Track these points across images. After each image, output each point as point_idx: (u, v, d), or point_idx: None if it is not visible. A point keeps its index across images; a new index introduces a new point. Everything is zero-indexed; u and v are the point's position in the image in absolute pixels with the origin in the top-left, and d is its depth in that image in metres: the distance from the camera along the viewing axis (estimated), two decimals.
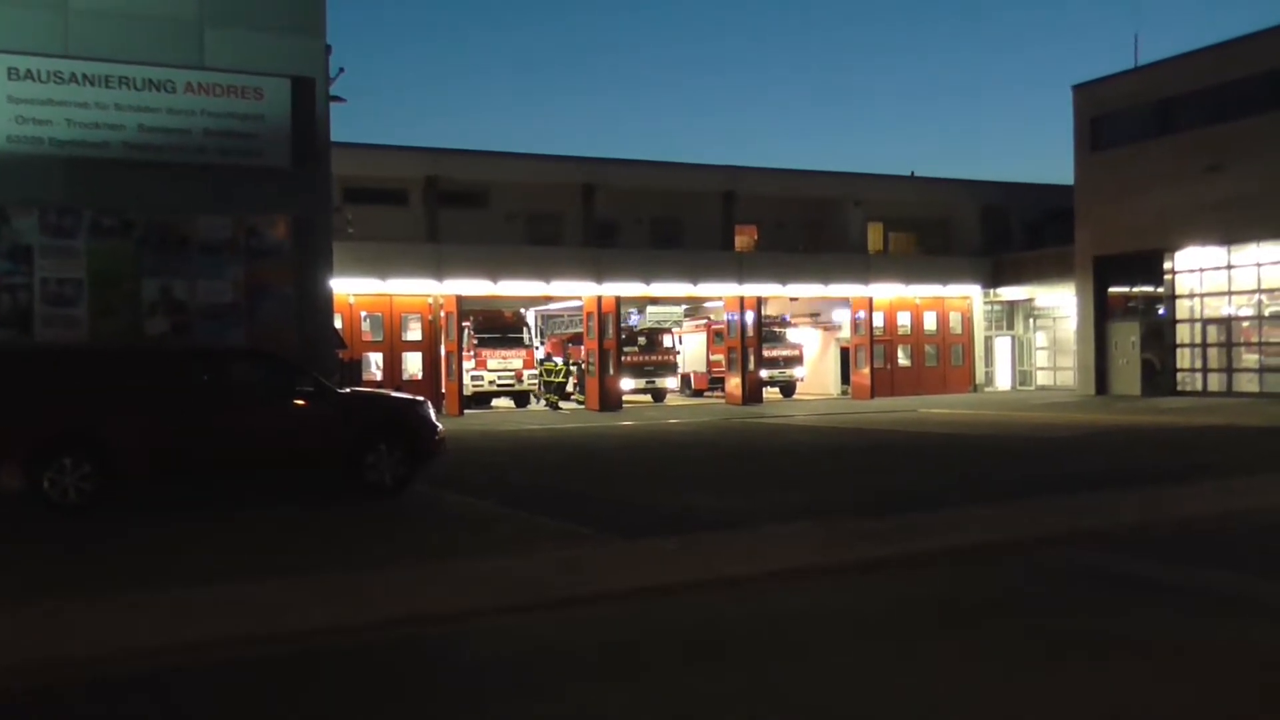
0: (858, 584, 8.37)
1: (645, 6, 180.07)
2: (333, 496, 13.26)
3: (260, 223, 16.47)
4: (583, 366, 35.04)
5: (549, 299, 37.30)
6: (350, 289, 30.62)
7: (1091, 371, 35.27)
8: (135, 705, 5.81)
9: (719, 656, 6.47)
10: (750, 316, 35.56)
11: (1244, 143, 30.28)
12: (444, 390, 32.37)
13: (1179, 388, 32.90)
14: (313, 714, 5.66)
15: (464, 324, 33.38)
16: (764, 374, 36.58)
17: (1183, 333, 33.18)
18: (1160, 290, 33.61)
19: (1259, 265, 31.05)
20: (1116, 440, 20.19)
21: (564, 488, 14.64)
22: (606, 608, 7.65)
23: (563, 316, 42.00)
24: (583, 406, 34.57)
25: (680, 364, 38.94)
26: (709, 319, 39.53)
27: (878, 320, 38.34)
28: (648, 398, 37.23)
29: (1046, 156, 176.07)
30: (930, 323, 40.63)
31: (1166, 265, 33.17)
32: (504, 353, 34.85)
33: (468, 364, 33.62)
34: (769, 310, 38.26)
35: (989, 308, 41.32)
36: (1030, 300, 40.74)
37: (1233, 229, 30.92)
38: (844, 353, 40.19)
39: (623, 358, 34.47)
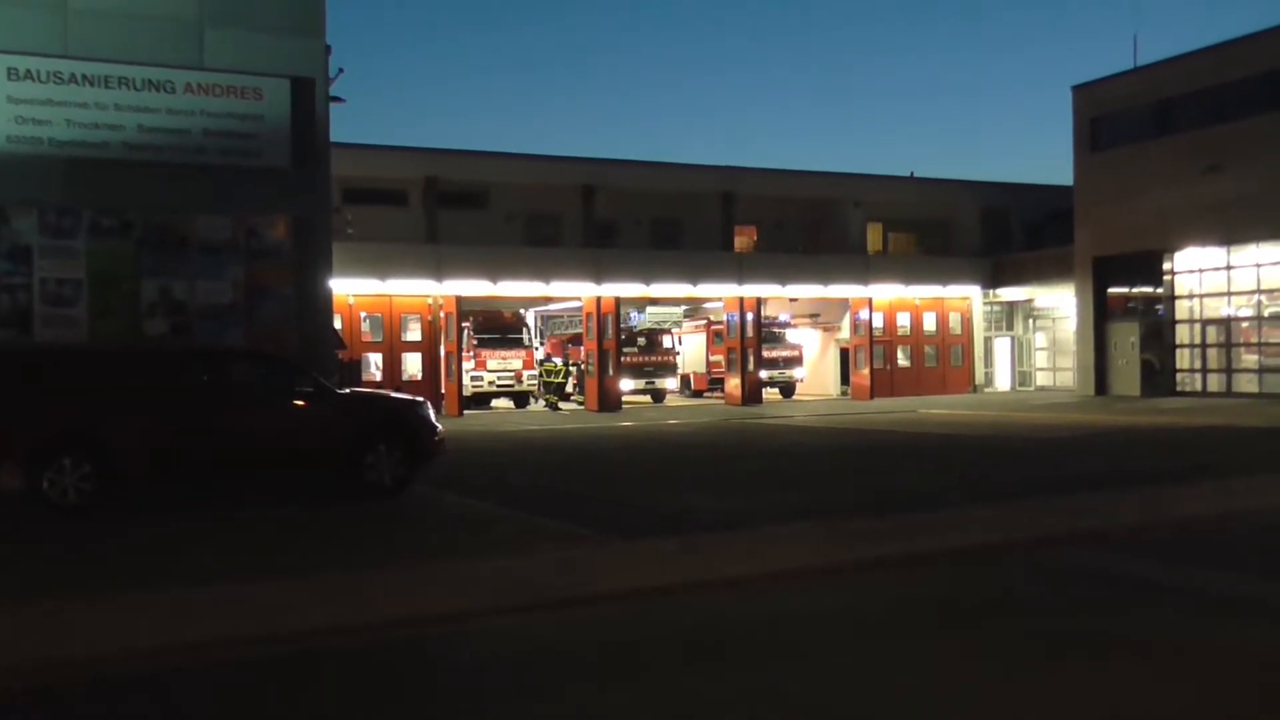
0: (857, 584, 8.37)
1: (645, 6, 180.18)
2: (332, 497, 13.26)
3: (260, 223, 16.47)
4: (582, 367, 35.04)
5: (548, 300, 37.30)
6: (350, 289, 30.63)
7: (1091, 372, 35.28)
8: (135, 705, 5.81)
9: (719, 657, 6.47)
10: (750, 317, 35.57)
11: (1243, 143, 30.29)
12: (443, 391, 32.37)
13: (1178, 388, 32.91)
14: (313, 714, 5.66)
15: (463, 324, 33.38)
16: (763, 375, 36.58)
17: (1182, 333, 33.19)
18: (1160, 291, 33.62)
19: (1258, 266, 31.06)
20: (1116, 441, 20.19)
21: (563, 488, 14.64)
22: (606, 608, 7.65)
23: (562, 317, 42.01)
24: (582, 407, 34.56)
25: (680, 365, 38.93)
26: (709, 319, 39.53)
27: (877, 321, 38.34)
28: (647, 398, 37.22)
29: (1046, 157, 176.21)
30: (930, 323, 40.64)
31: (1166, 266, 33.18)
32: (503, 353, 34.86)
33: (467, 364, 33.62)
34: (768, 311, 38.25)
35: (988, 308, 41.33)
36: (1030, 301, 40.74)
37: (1232, 229, 30.93)
38: (844, 353, 40.20)
39: (622, 358, 34.46)
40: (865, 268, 38.37)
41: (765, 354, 36.73)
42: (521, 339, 35.70)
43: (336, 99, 19.72)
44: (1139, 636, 6.70)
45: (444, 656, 6.72)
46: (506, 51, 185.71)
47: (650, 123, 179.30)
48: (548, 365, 35.97)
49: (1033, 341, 41.78)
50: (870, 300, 37.57)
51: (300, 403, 13.28)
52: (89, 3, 15.88)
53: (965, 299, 40.76)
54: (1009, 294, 40.48)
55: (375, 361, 32.98)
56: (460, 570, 8.86)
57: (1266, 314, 31.49)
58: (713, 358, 38.83)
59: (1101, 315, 35.26)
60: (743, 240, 40.32)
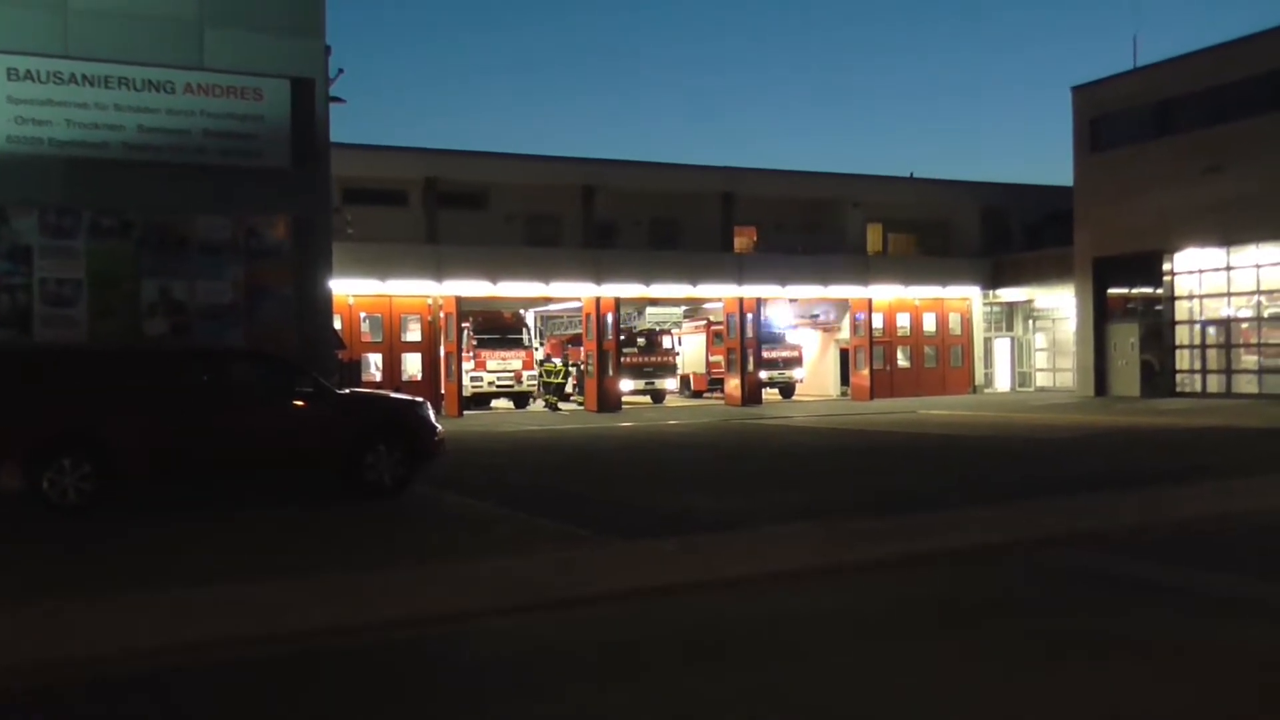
0: (857, 584, 8.37)
1: (645, 6, 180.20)
2: (332, 497, 13.26)
3: (260, 223, 16.47)
4: (582, 367, 35.04)
5: (548, 300, 37.30)
6: (350, 290, 30.64)
7: (1091, 373, 35.28)
8: (135, 705, 5.81)
9: (719, 657, 6.47)
10: (749, 318, 35.56)
11: (1243, 144, 30.30)
12: (443, 391, 32.37)
13: (1178, 389, 32.91)
14: (313, 714, 5.66)
15: (463, 325, 33.39)
16: (763, 375, 36.58)
17: (1182, 334, 33.19)
18: (1159, 292, 33.62)
19: (1258, 267, 31.06)
20: (1115, 441, 20.19)
21: (563, 489, 14.64)
22: (606, 608, 7.65)
23: (562, 318, 42.01)
24: (582, 408, 34.57)
25: (679, 365, 38.94)
26: (708, 320, 39.54)
27: (877, 321, 38.35)
28: (647, 399, 37.22)
29: (1046, 158, 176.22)
30: (929, 324, 40.65)
31: (1166, 267, 33.18)
32: (503, 354, 34.87)
33: (467, 365, 33.63)
34: (768, 312, 38.25)
35: (988, 309, 41.34)
36: (1029, 301, 40.75)
37: (1232, 230, 30.94)
38: (843, 354, 40.21)
39: (622, 359, 34.47)
40: (865, 268, 38.38)
41: (765, 355, 36.73)
42: (521, 339, 35.71)
43: (336, 99, 19.72)
44: (1139, 637, 6.71)
45: (444, 657, 6.72)
46: (506, 52, 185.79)
47: (650, 123, 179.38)
48: (547, 366, 35.99)
49: (1032, 342, 41.79)
50: (870, 301, 37.58)
51: (300, 403, 13.28)
52: (89, 3, 15.88)
53: (965, 300, 40.77)
54: (1009, 295, 40.49)
55: (375, 362, 32.99)
56: (460, 570, 8.86)
57: (1266, 315, 31.49)
58: (712, 358, 38.84)
59: (1101, 316, 35.26)
60: (742, 241, 40.32)
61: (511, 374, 35.03)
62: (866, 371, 37.22)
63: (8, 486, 11.75)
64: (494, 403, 36.12)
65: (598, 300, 33.56)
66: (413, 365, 33.52)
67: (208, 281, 16.06)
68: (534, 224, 37.41)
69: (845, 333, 39.49)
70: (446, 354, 32.64)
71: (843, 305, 38.91)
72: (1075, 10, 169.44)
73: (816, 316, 41.56)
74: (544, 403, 35.40)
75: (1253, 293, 31.49)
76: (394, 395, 16.33)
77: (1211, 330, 32.50)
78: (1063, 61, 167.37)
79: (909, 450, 19.68)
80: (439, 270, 32.15)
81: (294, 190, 16.84)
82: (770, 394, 37.99)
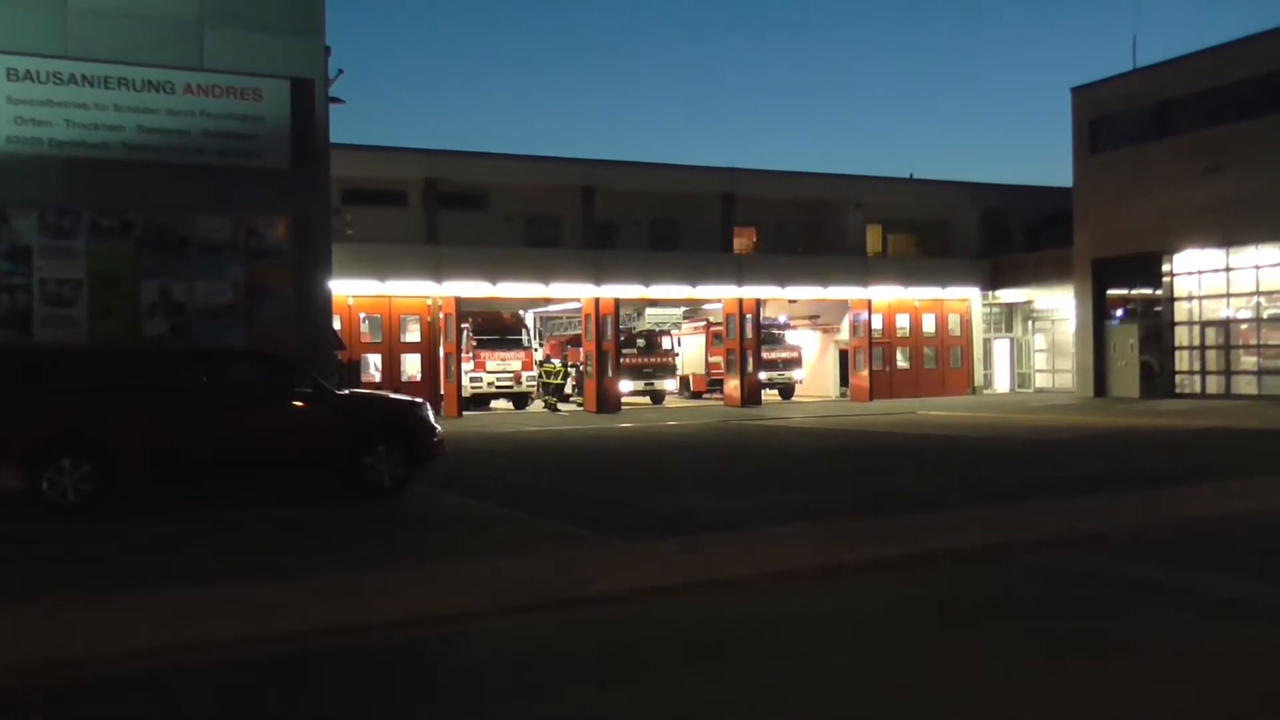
0: (857, 585, 8.37)
1: (645, 7, 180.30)
2: (331, 497, 13.26)
3: (259, 224, 16.47)
4: (581, 368, 35.05)
5: (548, 301, 37.31)
6: (349, 290, 30.65)
7: (1090, 374, 35.29)
8: (135, 705, 5.81)
9: (719, 657, 6.47)
10: (749, 318, 35.57)
11: (1242, 145, 30.32)
12: (442, 392, 32.37)
13: (1177, 390, 32.92)
14: (312, 714, 5.66)
15: (463, 325, 33.40)
16: (762, 376, 36.59)
17: (1181, 335, 33.20)
18: (1159, 293, 33.63)
19: (1257, 268, 31.08)
20: (1115, 442, 20.19)
21: (563, 489, 14.64)
22: (606, 609, 7.65)
23: (561, 318, 42.01)
24: (581, 408, 34.57)
25: (679, 366, 38.94)
26: (708, 321, 39.56)
27: (876, 322, 38.36)
28: (646, 400, 37.23)
29: (1046, 159, 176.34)
30: (929, 325, 40.66)
31: (1165, 268, 33.20)
32: (503, 354, 34.87)
33: (466, 365, 33.64)
34: (768, 312, 38.27)
35: (988, 310, 41.36)
36: (1029, 302, 40.77)
37: (1231, 231, 30.95)
38: (843, 355, 40.22)
39: (621, 360, 34.47)
40: (865, 269, 38.40)
41: (764, 355, 36.73)
42: (521, 340, 35.72)
43: (336, 100, 19.74)
44: (1139, 637, 6.71)
45: (444, 657, 6.72)
46: (506, 52, 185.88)
47: (650, 123, 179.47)
48: (547, 366, 35.99)
49: (1032, 343, 41.81)
50: (869, 301, 37.59)
51: (299, 403, 13.27)
52: (89, 3, 15.89)
53: (964, 300, 40.79)
54: (1008, 295, 40.50)
55: (374, 362, 33.00)
56: (460, 571, 8.86)
57: (1265, 316, 31.50)
58: (712, 359, 38.85)
59: (1101, 317, 35.27)
60: (742, 241, 40.35)
61: (511, 375, 35.04)
62: (866, 372, 37.23)
63: (7, 487, 11.75)
64: (493, 403, 36.13)
65: (597, 301, 33.57)
66: (412, 366, 33.52)
67: (207, 282, 16.06)
68: (533, 224, 37.43)
69: (845, 334, 39.50)
70: (446, 355, 32.64)
71: (841, 306, 38.88)
72: (1075, 11, 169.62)
73: (816, 318, 41.59)
74: (543, 403, 35.40)
75: (1252, 294, 31.50)
76: (393, 396, 16.34)
77: (1211, 331, 32.51)
78: (1062, 62, 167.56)
79: (908, 451, 19.69)
80: (438, 271, 32.16)
81: (294, 191, 16.85)
82: (770, 395, 38.00)
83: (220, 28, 16.58)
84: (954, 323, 40.95)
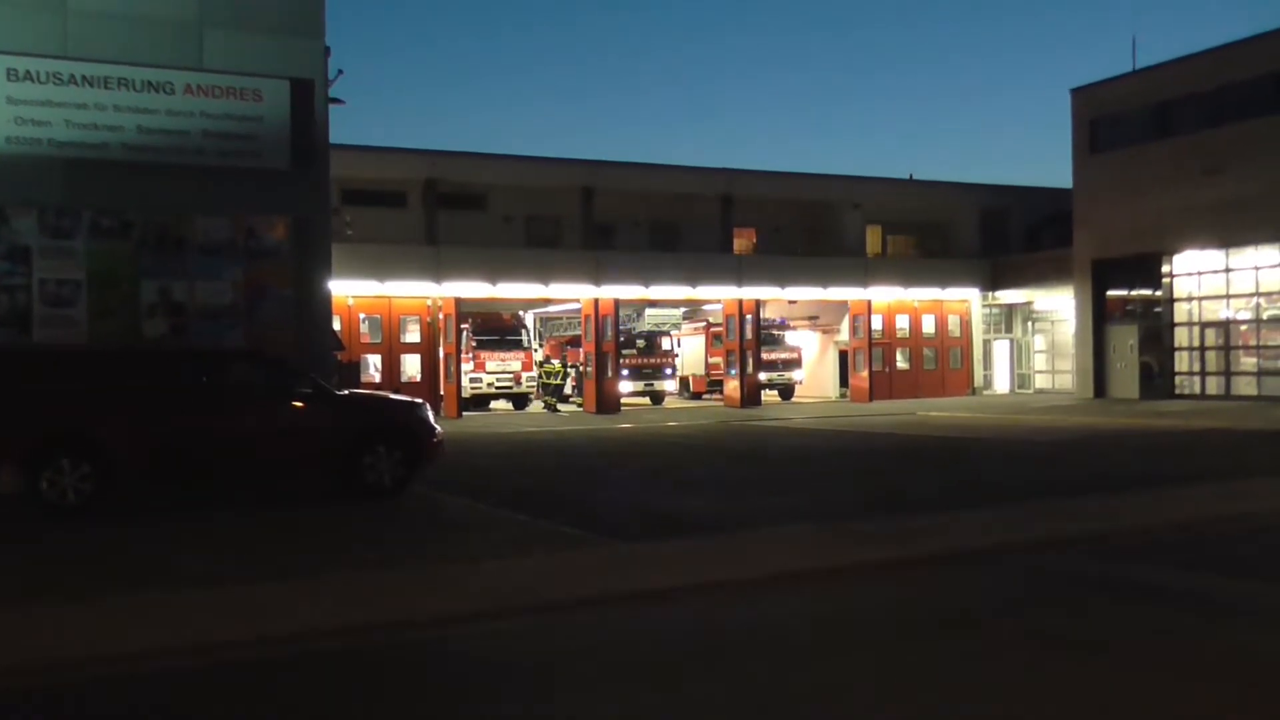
0: (858, 586, 8.36)
1: (645, 7, 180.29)
2: (331, 498, 13.25)
3: (259, 224, 16.47)
4: (581, 369, 35.05)
5: (548, 301, 37.31)
6: (349, 291, 30.64)
7: (1090, 374, 35.28)
8: (135, 705, 5.81)
9: (717, 659, 6.46)
10: (749, 319, 35.57)
11: (1242, 146, 30.31)
12: (442, 392, 32.37)
13: (1177, 391, 32.91)
14: (312, 715, 5.66)
15: (462, 326, 33.39)
16: (762, 377, 36.58)
17: (1181, 336, 33.19)
18: (1158, 293, 33.63)
19: (1257, 269, 31.07)
20: (1115, 443, 20.19)
21: (561, 490, 14.64)
22: (604, 611, 7.64)
23: (561, 319, 42.02)
24: (581, 409, 34.56)
25: (678, 367, 38.94)
26: (708, 322, 39.56)
27: (876, 323, 38.35)
28: (646, 400, 37.23)
29: (1045, 160, 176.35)
30: (929, 325, 40.65)
31: (1165, 268, 33.18)
32: (502, 355, 34.89)
33: (466, 366, 33.64)
34: (767, 313, 38.27)
35: (987, 311, 41.34)
36: (1029, 303, 40.75)
37: (1231, 232, 30.94)
38: (842, 356, 40.22)
39: (621, 360, 34.47)
40: (864, 270, 38.39)
41: (764, 356, 36.72)
42: (520, 341, 35.72)
43: (336, 100, 19.74)
44: (1140, 638, 6.71)
45: (443, 658, 6.71)
46: (506, 52, 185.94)
47: (650, 123, 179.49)
48: (546, 367, 36.00)
49: (1031, 344, 41.78)
50: (869, 302, 37.58)
51: (299, 404, 13.27)
52: (89, 4, 15.89)
53: (964, 301, 40.78)
54: (1008, 296, 40.49)
55: (374, 363, 32.99)
56: (459, 572, 8.85)
57: (1265, 317, 31.49)
58: (711, 360, 38.85)
59: (1100, 318, 35.27)
60: (742, 242, 40.34)
61: (510, 375, 35.05)
62: (866, 373, 37.22)
63: (7, 487, 11.74)
64: (493, 404, 36.13)
65: (596, 301, 33.56)
66: (412, 366, 33.52)
67: (207, 282, 16.06)
68: (533, 225, 37.43)
69: (844, 334, 39.50)
70: (445, 355, 32.64)
71: (841, 307, 38.87)
72: (1075, 12, 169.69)
73: (815, 318, 41.59)
74: (543, 404, 35.40)
75: (1252, 295, 31.49)
76: (393, 396, 16.33)
77: (1210, 332, 32.50)
78: (1062, 63, 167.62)
79: (908, 452, 19.68)
80: (438, 271, 32.15)
81: (293, 191, 16.86)
82: (769, 396, 38.00)
83: (220, 28, 16.58)
84: (954, 324, 40.95)
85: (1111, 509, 11.52)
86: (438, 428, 14.08)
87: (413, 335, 33.60)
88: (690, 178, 38.61)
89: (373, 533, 11.39)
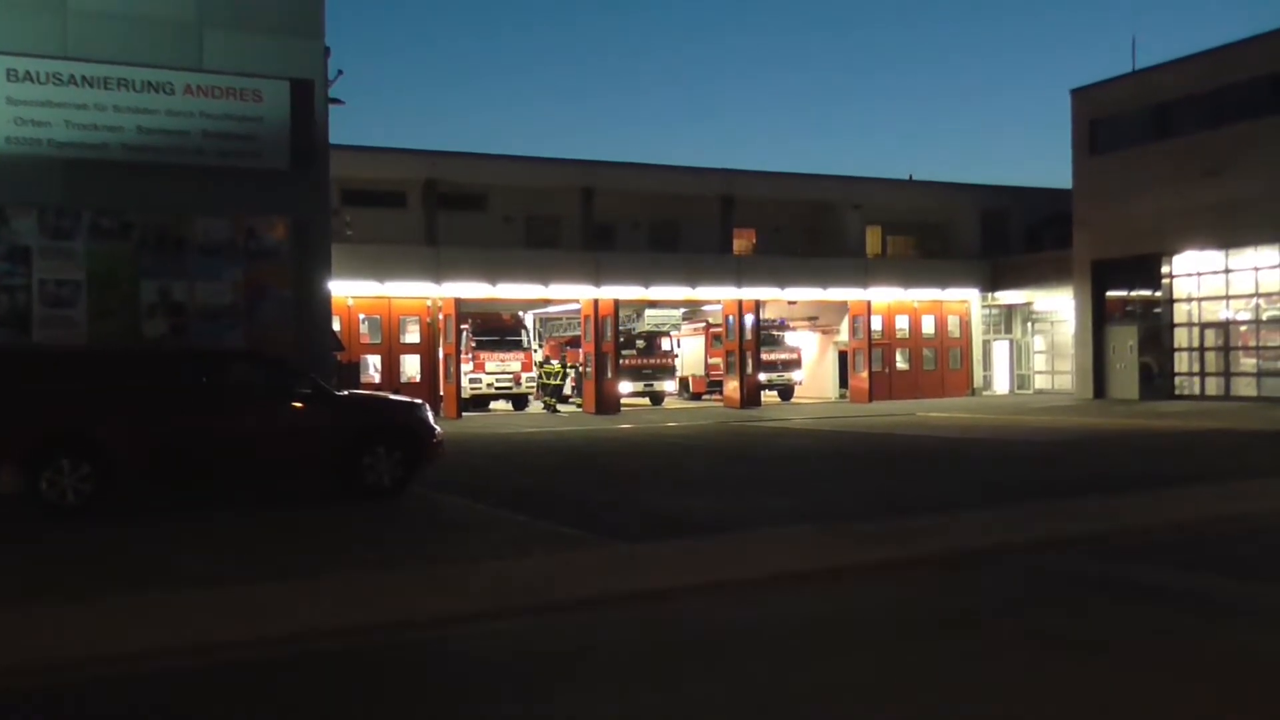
0: (857, 586, 8.36)
1: (645, 7, 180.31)
2: (331, 498, 13.25)
3: (259, 224, 16.47)
4: (580, 369, 35.06)
5: (547, 302, 37.32)
6: (349, 291, 30.64)
7: (1089, 375, 35.29)
8: (135, 706, 5.80)
9: (717, 659, 6.46)
10: (749, 320, 35.57)
11: (1241, 147, 30.33)
12: (442, 393, 32.37)
13: (1177, 391, 32.92)
14: (311, 715, 5.66)
15: (462, 326, 33.40)
16: (762, 377, 36.58)
17: (1180, 337, 33.20)
18: (1158, 294, 33.64)
19: (1256, 269, 31.08)
20: (1115, 444, 20.19)
21: (561, 490, 14.64)
22: (604, 611, 7.64)
23: (561, 319, 42.02)
24: (580, 409, 34.56)
25: (678, 367, 38.94)
26: (707, 322, 39.56)
27: (876, 324, 38.36)
28: (645, 401, 37.23)
29: (1045, 160, 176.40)
30: (928, 326, 40.65)
31: (1164, 269, 33.20)
32: (502, 355, 34.91)
33: (466, 366, 33.65)
34: (767, 313, 38.27)
35: (987, 311, 41.35)
36: (1028, 304, 40.77)
37: (1230, 233, 30.96)
38: (842, 356, 40.22)
39: (621, 361, 34.46)
40: (864, 270, 38.40)
41: (764, 357, 36.73)
42: (520, 341, 35.74)
43: (335, 101, 19.74)
44: (1140, 638, 6.71)
45: (443, 659, 6.71)
46: (506, 52, 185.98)
47: (650, 123, 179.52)
48: (546, 367, 36.00)
49: (1031, 344, 41.80)
50: (869, 303, 37.59)
51: (299, 404, 13.27)
52: (88, 4, 15.89)
53: (964, 302, 40.79)
54: (1007, 297, 40.50)
55: (374, 363, 32.98)
56: (459, 572, 8.85)
57: (1264, 317, 31.50)
58: (711, 360, 38.85)
59: (1100, 318, 35.27)
60: (741, 243, 40.35)
61: (510, 376, 35.06)
62: (865, 374, 37.22)
63: (7, 487, 11.74)
64: (493, 404, 36.14)
65: (596, 302, 33.56)
66: (411, 367, 33.51)
67: (207, 283, 16.06)
68: (533, 225, 37.44)
69: (844, 335, 39.50)
70: (445, 356, 32.64)
71: (840, 307, 38.88)
72: (1075, 12, 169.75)
73: (815, 319, 41.61)
74: (542, 404, 35.41)
75: (1251, 295, 31.50)
76: (393, 397, 16.34)
77: (1210, 333, 32.51)
78: (1062, 64, 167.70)
79: (908, 453, 19.68)
80: (438, 272, 32.16)
81: (293, 191, 16.86)
82: (769, 396, 37.99)
83: (219, 29, 16.58)
84: (953, 324, 40.95)
85: (1111, 509, 11.52)
86: (437, 428, 14.08)
87: (412, 336, 33.60)
88: (690, 178, 38.62)
89: (372, 533, 11.39)
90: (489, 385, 34.85)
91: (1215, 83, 31.43)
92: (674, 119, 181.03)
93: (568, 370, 35.95)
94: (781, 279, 36.85)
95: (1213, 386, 32.18)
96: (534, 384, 35.81)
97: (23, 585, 8.60)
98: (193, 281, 15.98)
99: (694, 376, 40.03)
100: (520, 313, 37.99)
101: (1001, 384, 41.57)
